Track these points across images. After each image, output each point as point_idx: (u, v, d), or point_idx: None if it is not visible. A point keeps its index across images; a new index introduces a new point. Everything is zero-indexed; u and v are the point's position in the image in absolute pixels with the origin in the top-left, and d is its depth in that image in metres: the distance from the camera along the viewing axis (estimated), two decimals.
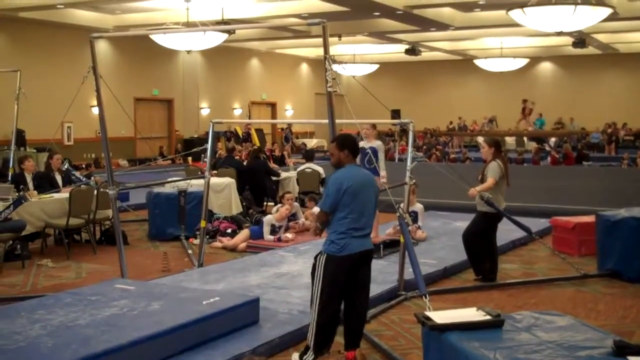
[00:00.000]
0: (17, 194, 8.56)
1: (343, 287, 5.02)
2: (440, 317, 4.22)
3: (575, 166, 20.83)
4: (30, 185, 9.55)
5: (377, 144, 9.55)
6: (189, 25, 17.17)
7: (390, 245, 8.99)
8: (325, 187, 5.48)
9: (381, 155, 9.47)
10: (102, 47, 22.32)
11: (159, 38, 17.26)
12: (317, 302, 4.99)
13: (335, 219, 5.01)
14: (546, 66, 32.22)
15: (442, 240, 9.86)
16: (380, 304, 6.81)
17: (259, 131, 27.97)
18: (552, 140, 27.47)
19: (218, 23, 17.91)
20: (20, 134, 16.45)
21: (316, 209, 9.87)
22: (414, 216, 9.80)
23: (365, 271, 5.13)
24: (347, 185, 4.95)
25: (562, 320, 4.30)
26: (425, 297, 5.11)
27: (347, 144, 5.18)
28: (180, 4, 17.64)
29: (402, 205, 6.80)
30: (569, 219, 9.62)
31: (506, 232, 9.10)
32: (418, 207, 10.09)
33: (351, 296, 5.09)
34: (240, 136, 26.10)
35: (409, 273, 6.75)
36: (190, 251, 9.48)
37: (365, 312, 5.27)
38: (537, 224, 10.36)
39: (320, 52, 7.17)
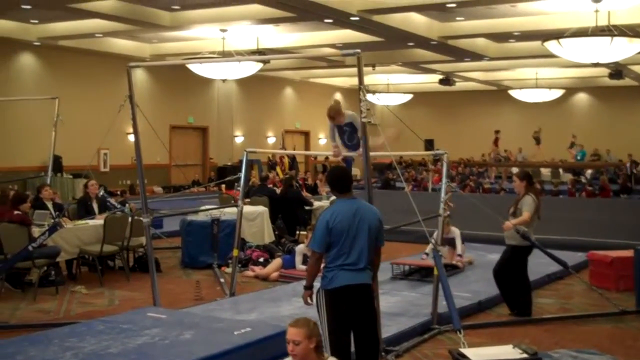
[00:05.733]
0: (52, 221, 8.65)
1: (346, 321, 4.76)
2: (475, 354, 4.14)
3: (613, 199, 20.49)
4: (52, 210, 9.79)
5: (349, 114, 6.80)
6: (225, 54, 17.34)
7: (419, 271, 8.95)
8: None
9: (358, 122, 6.74)
10: (139, 75, 22.62)
11: (195, 67, 17.50)
12: (327, 339, 4.74)
13: (327, 255, 4.83)
14: (582, 97, 31.88)
15: (476, 273, 9.73)
16: (413, 338, 6.71)
17: (293, 159, 28.06)
18: (589, 172, 27.11)
19: (253, 53, 18.10)
20: (57, 160, 16.70)
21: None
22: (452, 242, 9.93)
23: (364, 306, 4.80)
24: (334, 222, 4.75)
25: (601, 359, 4.20)
26: (460, 332, 5.03)
27: (329, 180, 5.09)
28: (216, 34, 17.84)
29: (434, 235, 6.73)
30: (607, 253, 9.44)
31: (542, 265, 8.96)
32: (455, 232, 10.06)
33: (357, 333, 4.82)
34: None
35: (442, 306, 6.68)
36: (222, 280, 9.48)
37: (375, 348, 4.93)
38: (573, 257, 10.18)
39: (353, 81, 7.14)
